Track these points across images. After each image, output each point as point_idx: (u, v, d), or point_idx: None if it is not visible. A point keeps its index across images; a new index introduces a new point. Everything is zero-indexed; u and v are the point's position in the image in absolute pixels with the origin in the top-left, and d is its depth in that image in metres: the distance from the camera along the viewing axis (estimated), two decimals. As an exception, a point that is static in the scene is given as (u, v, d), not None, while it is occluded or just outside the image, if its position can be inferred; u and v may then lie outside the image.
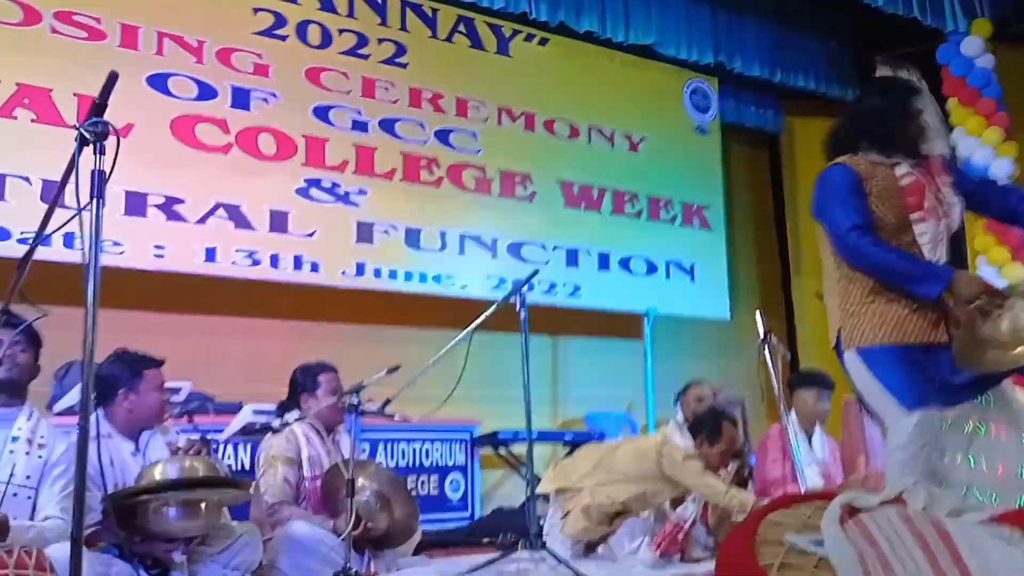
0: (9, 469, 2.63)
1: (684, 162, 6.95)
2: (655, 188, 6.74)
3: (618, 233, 6.51)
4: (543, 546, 3.23)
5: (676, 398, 4.75)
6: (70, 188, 1.96)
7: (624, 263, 6.51)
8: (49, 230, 2.11)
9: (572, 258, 6.27)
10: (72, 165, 1.96)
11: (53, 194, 4.52)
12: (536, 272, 3.63)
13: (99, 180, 1.94)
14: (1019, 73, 6.33)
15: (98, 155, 1.95)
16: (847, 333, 2.75)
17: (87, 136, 1.93)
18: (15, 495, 2.62)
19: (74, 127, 1.96)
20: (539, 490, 4.15)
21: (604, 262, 6.42)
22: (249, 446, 4.68)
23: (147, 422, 3.10)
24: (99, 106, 1.99)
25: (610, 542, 3.98)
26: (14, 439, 2.68)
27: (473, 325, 3.45)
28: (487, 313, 3.53)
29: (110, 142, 1.96)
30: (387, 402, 3.41)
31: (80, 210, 1.91)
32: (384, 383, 3.38)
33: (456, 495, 5.45)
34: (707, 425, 4.09)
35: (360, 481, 3.18)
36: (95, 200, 1.93)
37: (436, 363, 3.54)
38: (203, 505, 2.78)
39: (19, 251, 4.41)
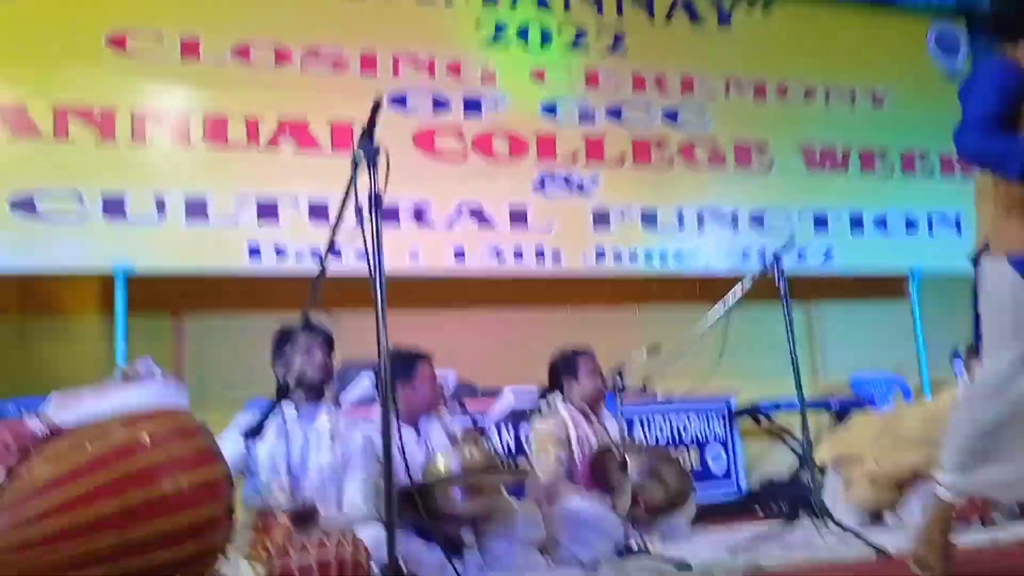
0: (318, 461, 2.95)
1: (936, 112, 6.39)
2: (907, 141, 6.32)
3: (869, 192, 6.17)
4: (828, 515, 3.12)
5: (954, 355, 4.41)
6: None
7: (880, 222, 6.16)
8: (339, 246, 2.32)
9: (821, 222, 6.01)
10: (351, 184, 2.15)
11: (324, 213, 4.99)
12: (793, 237, 3.53)
13: (375, 197, 2.13)
14: None
15: (372, 175, 2.14)
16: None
17: (360, 159, 2.13)
18: (323, 485, 2.94)
19: (350, 151, 2.15)
20: (816, 460, 4.02)
21: (857, 223, 6.11)
22: (511, 427, 4.89)
23: (424, 410, 3.37)
24: (368, 131, 2.18)
25: (898, 511, 3.78)
26: (319, 434, 3.00)
27: (732, 299, 3.42)
28: (746, 286, 3.47)
29: (381, 162, 2.15)
30: (645, 385, 3.45)
31: (361, 221, 2.10)
32: (643, 363, 3.45)
33: (719, 468, 5.39)
34: None
35: (628, 459, 3.24)
36: (374, 214, 2.11)
37: (686, 349, 3.54)
38: (483, 489, 2.97)
39: (295, 266, 4.96)
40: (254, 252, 4.93)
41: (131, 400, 2.06)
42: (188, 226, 4.80)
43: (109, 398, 2.04)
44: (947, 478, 2.43)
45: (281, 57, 5.22)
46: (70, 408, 2.00)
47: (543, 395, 3.75)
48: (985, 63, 2.58)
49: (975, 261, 2.55)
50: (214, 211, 4.86)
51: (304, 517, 2.66)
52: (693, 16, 6.10)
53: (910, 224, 6.22)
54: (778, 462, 5.62)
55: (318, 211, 5.06)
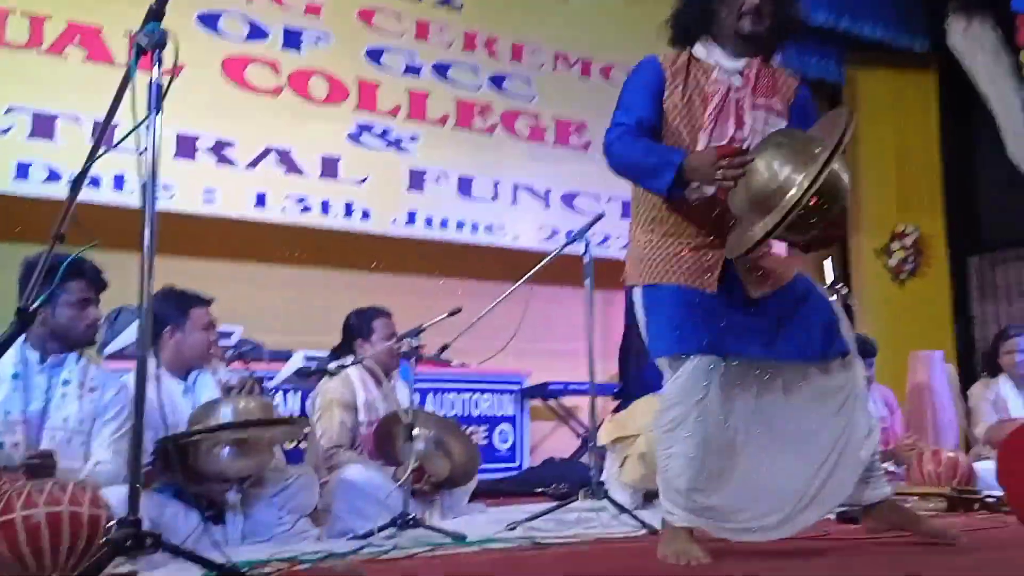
0: (63, 414, 2.58)
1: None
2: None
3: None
4: (604, 495, 3.11)
5: None
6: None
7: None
8: (103, 151, 1.99)
9: (627, 210, 6.07)
10: (127, 77, 1.84)
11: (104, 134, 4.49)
12: (600, 216, 3.47)
13: (157, 92, 1.84)
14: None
15: (157, 65, 1.84)
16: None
17: (143, 45, 1.82)
18: (69, 441, 2.57)
19: (130, 35, 1.84)
20: (598, 441, 4.04)
21: (660, 215, 6.23)
22: (299, 393, 4.64)
23: (195, 361, 3.05)
24: (156, 12, 1.87)
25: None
26: (65, 383, 2.62)
27: (534, 270, 3.34)
28: (549, 259, 3.40)
29: (168, 52, 1.85)
30: (444, 347, 3.30)
31: (140, 124, 1.81)
32: (439, 331, 3.30)
33: (505, 446, 5.38)
34: None
35: (416, 428, 3.08)
36: (154, 113, 1.82)
37: (484, 314, 3.41)
38: (257, 444, 2.71)
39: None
40: (22, 171, 4.36)
41: None
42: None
43: None
44: (667, 510, 2.31)
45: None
46: None
47: (333, 356, 3.52)
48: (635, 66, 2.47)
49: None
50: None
51: (37, 469, 2.30)
52: (531, -18, 6.00)
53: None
54: (563, 444, 5.69)
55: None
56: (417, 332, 3.11)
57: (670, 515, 2.30)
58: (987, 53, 6.34)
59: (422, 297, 5.39)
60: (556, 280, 3.75)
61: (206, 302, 3.10)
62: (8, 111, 4.38)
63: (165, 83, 1.85)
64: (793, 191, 1.97)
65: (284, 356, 4.51)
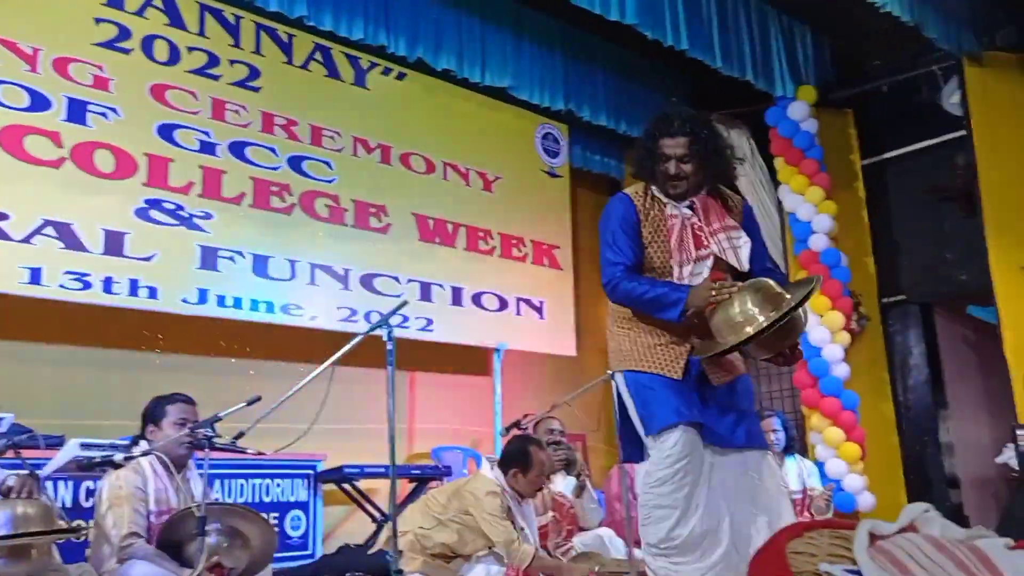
0: None
1: (535, 203, 7.11)
2: (508, 226, 6.85)
3: (472, 269, 6.54)
4: (398, 581, 3.14)
5: (505, 431, 4.82)
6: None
7: (476, 299, 6.55)
8: None
9: (426, 292, 6.24)
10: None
11: None
12: (405, 303, 3.55)
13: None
14: (839, 136, 6.91)
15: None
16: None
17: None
18: None
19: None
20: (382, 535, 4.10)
21: (457, 297, 6.43)
22: (71, 483, 4.33)
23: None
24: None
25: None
26: None
27: (339, 354, 3.34)
28: (354, 342, 3.43)
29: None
30: (239, 435, 3.24)
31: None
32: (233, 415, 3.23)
33: (297, 533, 5.25)
34: (515, 454, 4.17)
35: (209, 524, 2.98)
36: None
37: (285, 399, 3.38)
38: (34, 550, 2.54)
39: None
40: None
41: None
42: None
43: None
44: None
45: None
46: None
47: (133, 443, 3.35)
48: (609, 202, 2.99)
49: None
50: None
51: None
52: (331, 69, 6.10)
53: (502, 303, 6.71)
54: (358, 529, 5.61)
55: None
56: (212, 422, 3.04)
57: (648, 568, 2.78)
58: (745, 161, 7.14)
59: (213, 377, 5.24)
60: (353, 361, 3.78)
61: None
62: None
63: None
64: (751, 327, 2.58)
65: (59, 443, 4.23)
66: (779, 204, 6.92)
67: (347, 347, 3.44)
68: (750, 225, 2.97)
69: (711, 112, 7.29)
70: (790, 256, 6.76)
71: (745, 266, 2.87)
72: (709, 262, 2.82)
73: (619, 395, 2.96)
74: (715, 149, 2.86)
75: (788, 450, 5.33)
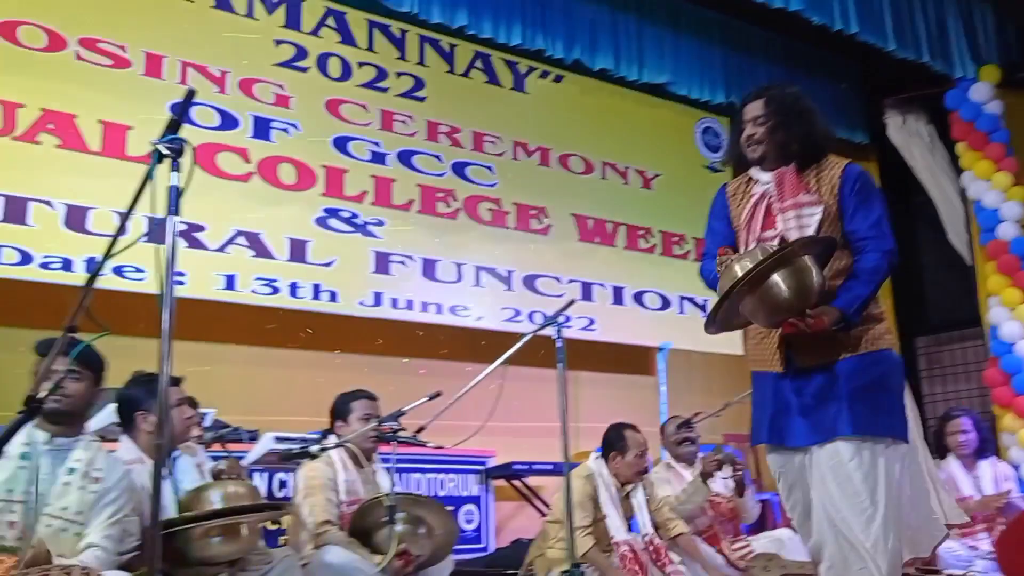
0: (62, 503, 2.58)
1: (697, 199, 6.94)
2: (668, 224, 6.79)
3: (632, 268, 6.54)
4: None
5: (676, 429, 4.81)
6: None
7: (638, 297, 6.54)
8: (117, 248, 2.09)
9: (587, 292, 6.29)
10: (147, 178, 1.97)
11: (78, 219, 4.57)
12: (572, 301, 3.63)
13: (175, 195, 1.96)
14: (1027, 118, 6.44)
15: (174, 171, 1.97)
16: None
17: (165, 152, 1.95)
18: (64, 530, 2.57)
19: (151, 143, 1.97)
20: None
21: (618, 296, 6.44)
22: (266, 474, 4.65)
23: (170, 443, 3.06)
24: (175, 123, 2.01)
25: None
26: (71, 471, 2.62)
27: (510, 351, 3.44)
28: (524, 340, 3.52)
29: (186, 160, 1.98)
30: (420, 429, 3.38)
31: (152, 229, 1.92)
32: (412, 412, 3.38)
33: (470, 526, 5.41)
34: (613, 439, 4.30)
35: (398, 512, 3.14)
36: (172, 214, 1.94)
37: (462, 394, 3.50)
38: (244, 528, 2.75)
39: (42, 275, 4.47)
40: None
41: None
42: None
43: None
44: None
45: (55, 42, 4.76)
46: None
47: (323, 436, 3.58)
48: None
49: None
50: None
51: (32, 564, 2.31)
52: (491, 75, 6.27)
53: (664, 303, 6.66)
54: (527, 524, 5.72)
55: (75, 217, 4.60)
56: (397, 416, 3.19)
57: None
58: (923, 146, 6.78)
59: (387, 376, 5.47)
60: (517, 360, 3.88)
61: (175, 381, 3.11)
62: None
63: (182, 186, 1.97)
64: (728, 282, 2.50)
65: (254, 437, 4.56)
66: (962, 192, 6.52)
67: (518, 344, 3.53)
68: (850, 194, 2.67)
69: (886, 97, 7.02)
70: (976, 246, 6.36)
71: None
72: (776, 242, 2.63)
73: None
74: (796, 111, 2.71)
75: (981, 452, 5.00)
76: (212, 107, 5.18)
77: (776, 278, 2.45)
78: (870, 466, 2.51)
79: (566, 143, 6.46)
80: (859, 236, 2.64)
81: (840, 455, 2.53)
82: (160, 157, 1.96)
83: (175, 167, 1.97)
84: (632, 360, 6.61)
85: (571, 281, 6.21)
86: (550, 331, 3.54)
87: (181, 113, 2.03)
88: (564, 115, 6.51)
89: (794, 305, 2.47)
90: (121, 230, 2.04)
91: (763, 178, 2.73)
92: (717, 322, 2.61)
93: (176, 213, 1.97)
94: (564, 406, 3.49)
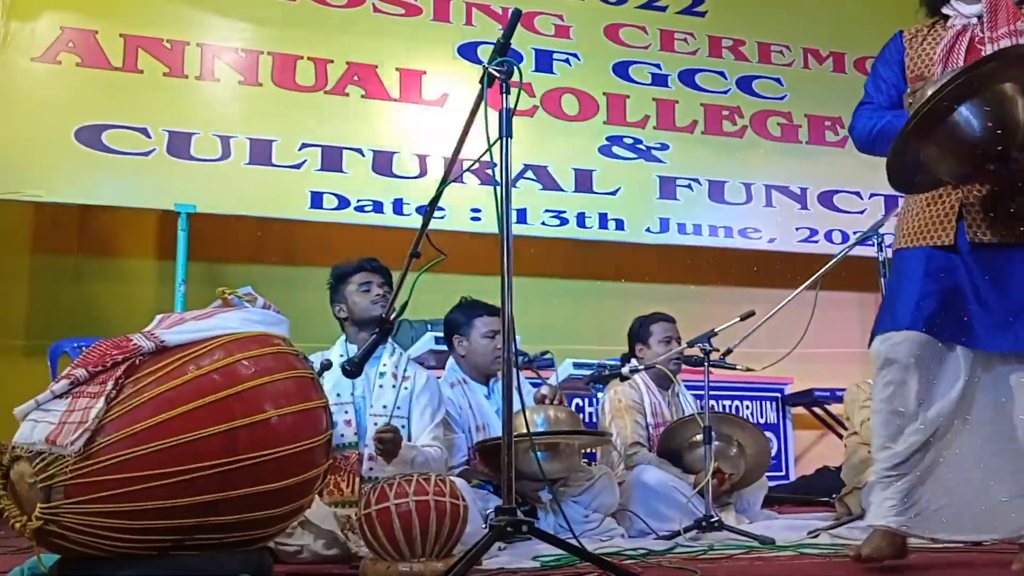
0: (382, 402, 2.84)
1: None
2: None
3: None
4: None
5: None
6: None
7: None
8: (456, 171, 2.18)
9: (890, 206, 5.80)
10: (480, 100, 2.03)
11: (385, 164, 4.88)
12: (890, 213, 3.33)
13: (507, 117, 2.00)
14: None
15: (505, 93, 2.01)
16: None
17: (495, 74, 1.99)
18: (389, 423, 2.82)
19: (483, 66, 2.03)
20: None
21: (928, 209, 5.87)
22: (566, 398, 4.80)
23: (480, 368, 3.22)
24: (503, 46, 2.05)
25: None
26: (381, 374, 2.88)
27: (823, 270, 3.22)
28: (839, 256, 3.28)
29: (514, 81, 2.01)
30: (728, 352, 3.30)
31: (490, 147, 1.98)
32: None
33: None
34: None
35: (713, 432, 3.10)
36: (506, 137, 1.98)
37: (770, 316, 3.35)
38: (566, 449, 2.85)
39: (356, 218, 4.85)
40: (316, 200, 4.81)
41: (233, 324, 1.94)
42: (251, 169, 4.69)
43: (213, 321, 1.92)
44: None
45: (353, -3, 5.09)
46: (175, 328, 1.88)
47: (623, 361, 3.62)
48: None
49: None
50: (278, 156, 4.75)
51: (386, 443, 2.56)
52: (772, -18, 5.89)
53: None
54: (828, 451, 5.49)
55: (382, 162, 4.93)
56: (709, 336, 3.13)
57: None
58: None
59: (676, 304, 5.41)
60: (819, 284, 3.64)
61: (492, 310, 3.27)
62: (302, 147, 4.85)
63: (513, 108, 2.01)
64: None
65: (552, 364, 4.72)
66: None
67: (831, 263, 3.29)
68: None
69: None
70: None
71: None
72: None
73: None
74: None
75: None
76: (493, 44, 5.29)
77: (967, 107, 1.93)
78: None
79: (862, 45, 5.92)
80: None
81: None
82: (491, 80, 2.00)
83: (505, 89, 2.00)
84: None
85: (873, 196, 5.75)
86: (872, 247, 3.28)
87: (508, 34, 2.06)
88: (858, 13, 5.95)
89: (994, 143, 1.92)
90: (451, 166, 2.12)
91: (965, 10, 2.27)
92: (898, 171, 2.10)
93: (510, 135, 2.01)
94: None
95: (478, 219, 5.01)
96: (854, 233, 3.42)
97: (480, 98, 2.06)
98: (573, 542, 1.89)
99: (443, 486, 2.12)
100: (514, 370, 1.92)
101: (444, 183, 2.20)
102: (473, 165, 2.17)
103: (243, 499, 1.78)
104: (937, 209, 2.18)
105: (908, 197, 2.30)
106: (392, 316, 2.19)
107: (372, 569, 2.06)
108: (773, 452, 5.26)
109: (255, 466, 1.80)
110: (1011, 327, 2.06)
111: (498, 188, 2.00)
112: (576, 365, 4.64)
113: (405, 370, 2.93)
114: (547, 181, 5.25)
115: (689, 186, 5.49)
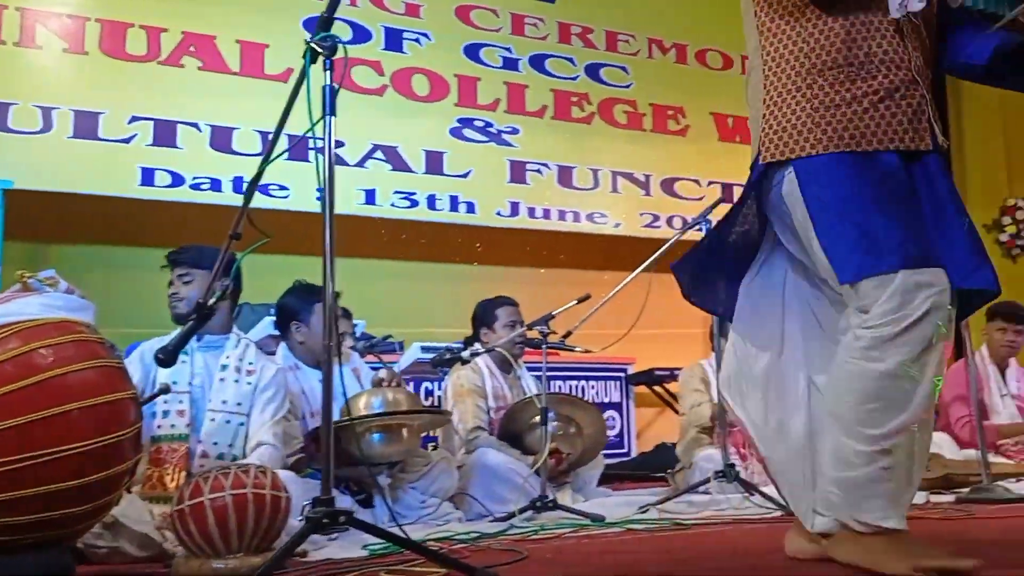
0: (222, 397, 2.72)
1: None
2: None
3: (777, 167, 6.22)
4: (736, 476, 3.12)
5: None
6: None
7: (783, 198, 6.24)
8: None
9: (728, 193, 6.04)
10: (302, 78, 1.95)
11: (223, 140, 4.67)
12: (720, 200, 3.46)
13: (330, 95, 1.93)
14: None
15: (328, 71, 1.94)
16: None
17: (317, 50, 1.92)
18: (227, 421, 2.71)
19: (305, 42, 1.95)
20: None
21: (763, 197, 6.16)
22: (413, 383, 4.77)
23: (319, 355, 3.13)
24: (326, 21, 1.98)
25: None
26: (223, 367, 2.76)
27: (659, 251, 3.31)
28: (671, 241, 3.39)
29: (338, 58, 1.95)
30: (567, 334, 3.35)
31: (313, 125, 1.91)
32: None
33: (612, 432, 5.41)
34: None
35: (550, 413, 3.14)
36: (328, 115, 1.92)
37: (607, 299, 3.43)
38: (404, 431, 2.81)
39: (192, 196, 4.63)
40: (147, 177, 4.56)
41: (32, 310, 1.80)
42: (75, 143, 4.39)
43: (10, 307, 1.78)
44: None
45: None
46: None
47: (466, 344, 3.61)
48: None
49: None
50: (105, 130, 4.46)
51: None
52: (623, -28, 6.00)
53: (811, 203, 6.32)
54: (668, 428, 5.69)
55: (220, 138, 4.72)
56: (546, 320, 3.16)
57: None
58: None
59: (525, 287, 5.46)
60: (659, 267, 3.77)
61: (335, 295, 3.17)
62: (132, 120, 4.58)
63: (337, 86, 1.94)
64: None
65: (400, 348, 4.68)
66: None
67: (666, 244, 3.40)
68: None
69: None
70: None
71: None
72: None
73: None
74: None
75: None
76: (345, 20, 5.16)
77: None
78: None
79: (703, 38, 6.15)
80: None
81: None
82: (314, 56, 1.92)
83: (328, 66, 1.93)
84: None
85: (711, 183, 5.98)
86: (692, 234, 3.40)
87: (332, 8, 1.99)
88: (701, 8, 6.16)
89: None
90: (274, 142, 2.04)
91: None
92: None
93: (333, 113, 1.95)
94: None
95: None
96: (692, 219, 3.55)
97: (303, 74, 1.97)
98: (396, 531, 1.87)
99: (263, 478, 2.05)
100: (335, 358, 1.86)
101: (266, 162, 2.10)
102: (295, 143, 2.07)
103: (37, 498, 1.66)
104: (899, 104, 1.75)
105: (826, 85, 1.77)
106: (210, 301, 2.08)
107: (184, 567, 1.96)
108: (616, 431, 5.44)
109: (51, 463, 1.67)
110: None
111: (321, 169, 1.93)
112: (424, 349, 4.61)
113: (251, 363, 2.80)
114: (397, 162, 5.18)
115: (539, 170, 5.55)
